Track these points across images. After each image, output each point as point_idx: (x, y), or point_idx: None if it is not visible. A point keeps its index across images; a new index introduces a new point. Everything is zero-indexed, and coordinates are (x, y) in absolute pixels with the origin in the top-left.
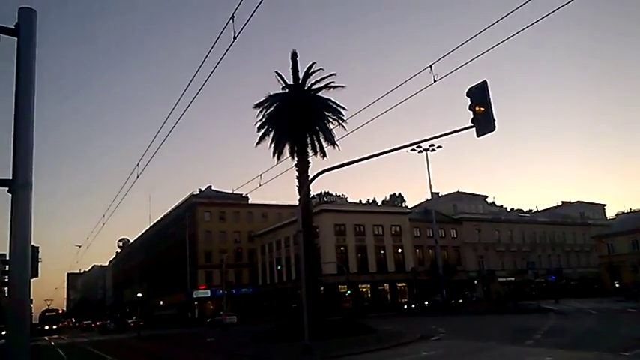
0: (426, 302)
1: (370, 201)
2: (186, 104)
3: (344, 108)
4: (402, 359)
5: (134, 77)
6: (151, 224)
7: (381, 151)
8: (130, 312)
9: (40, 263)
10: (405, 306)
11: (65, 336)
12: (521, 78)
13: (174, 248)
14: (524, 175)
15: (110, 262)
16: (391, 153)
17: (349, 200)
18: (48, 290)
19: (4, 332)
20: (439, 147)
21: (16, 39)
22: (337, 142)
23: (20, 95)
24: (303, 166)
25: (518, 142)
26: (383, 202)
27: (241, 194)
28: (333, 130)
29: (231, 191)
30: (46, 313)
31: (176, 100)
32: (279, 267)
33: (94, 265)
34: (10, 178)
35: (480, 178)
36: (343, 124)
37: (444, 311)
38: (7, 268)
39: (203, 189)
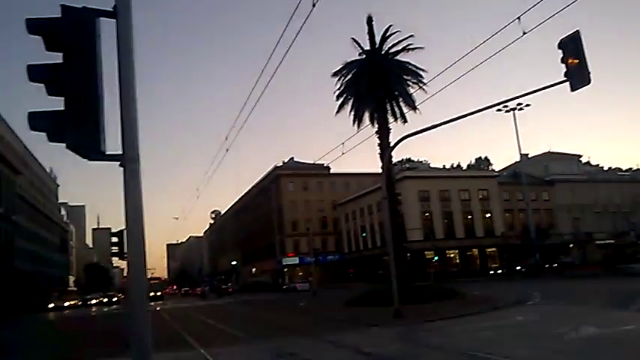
0: (518, 267)
1: (454, 165)
2: (267, 77)
3: (424, 70)
4: (495, 324)
5: (218, 52)
6: (240, 196)
7: (466, 112)
8: (225, 279)
9: None
10: (493, 272)
11: (168, 302)
12: (616, 25)
13: (262, 218)
14: (621, 132)
15: (204, 232)
16: (476, 114)
17: (432, 166)
18: (150, 260)
19: (114, 299)
20: (527, 105)
21: (114, 21)
22: (418, 106)
23: (122, 75)
24: (384, 133)
25: (613, 95)
26: (468, 166)
27: (323, 164)
28: (414, 93)
29: (313, 161)
30: (150, 281)
31: (259, 73)
32: (363, 234)
33: (190, 236)
34: (121, 152)
35: (572, 137)
36: (424, 87)
37: (537, 276)
38: (113, 240)
39: (286, 160)
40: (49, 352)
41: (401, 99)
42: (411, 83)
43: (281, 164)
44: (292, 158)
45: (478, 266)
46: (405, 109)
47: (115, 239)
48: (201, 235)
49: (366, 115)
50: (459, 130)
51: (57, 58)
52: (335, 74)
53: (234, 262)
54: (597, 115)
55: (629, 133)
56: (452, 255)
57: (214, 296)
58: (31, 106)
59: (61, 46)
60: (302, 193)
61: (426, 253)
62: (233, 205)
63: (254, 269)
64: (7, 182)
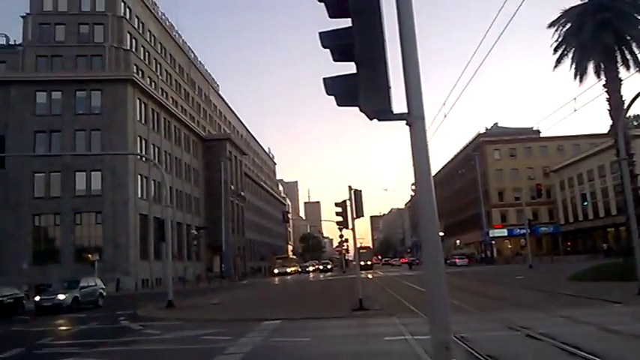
0: None
1: None
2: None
3: None
4: None
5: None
6: (441, 166)
7: None
8: None
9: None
10: None
11: (379, 271)
12: None
13: (466, 188)
14: None
15: (406, 204)
16: None
17: None
18: (358, 230)
19: (329, 266)
20: None
21: None
22: None
23: (404, 34)
24: (613, 86)
25: None
26: None
27: (531, 128)
28: None
29: (520, 126)
30: (360, 250)
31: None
32: (585, 203)
33: (392, 209)
34: (406, 111)
35: None
36: None
37: None
38: (337, 211)
39: (489, 127)
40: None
41: (634, 44)
42: None
43: (484, 131)
44: (496, 124)
45: None
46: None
47: (339, 209)
48: (403, 207)
49: (590, 67)
50: None
51: (336, 24)
52: (552, 24)
53: (441, 234)
54: None
55: None
56: None
57: (421, 267)
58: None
59: (348, 11)
60: (509, 160)
61: None
62: (434, 176)
63: (458, 241)
64: (236, 162)
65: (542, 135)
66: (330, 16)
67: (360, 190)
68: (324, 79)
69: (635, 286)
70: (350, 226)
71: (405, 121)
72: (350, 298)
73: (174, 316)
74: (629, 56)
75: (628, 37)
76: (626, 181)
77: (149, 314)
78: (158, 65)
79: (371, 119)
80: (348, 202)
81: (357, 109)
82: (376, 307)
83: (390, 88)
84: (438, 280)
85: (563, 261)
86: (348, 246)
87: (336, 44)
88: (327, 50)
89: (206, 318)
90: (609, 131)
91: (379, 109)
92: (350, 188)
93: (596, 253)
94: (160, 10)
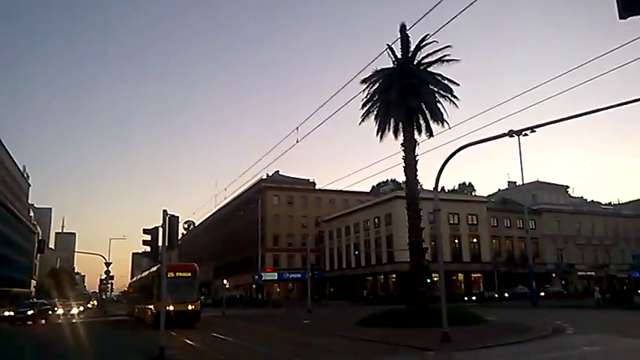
0: (506, 294)
1: (440, 190)
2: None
3: (456, 84)
4: (567, 353)
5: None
6: (217, 207)
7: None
8: None
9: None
10: (474, 297)
11: None
12: None
13: (241, 231)
14: (604, 166)
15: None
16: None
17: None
18: (118, 269)
19: (72, 311)
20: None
21: None
22: (447, 120)
23: None
24: (410, 146)
25: (598, 130)
26: (451, 190)
27: (308, 179)
28: (443, 107)
29: (298, 176)
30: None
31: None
32: (356, 252)
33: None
34: None
35: (557, 168)
36: (455, 100)
37: (533, 303)
38: (145, 239)
39: (271, 174)
40: None
41: (427, 111)
42: (443, 95)
43: (265, 177)
44: (278, 171)
45: (463, 291)
46: (431, 123)
47: (147, 237)
48: None
49: (391, 126)
50: (438, 154)
51: None
52: (364, 81)
53: (211, 275)
54: (582, 148)
55: (611, 168)
56: (436, 278)
57: None
58: None
59: None
60: (286, 207)
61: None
62: (210, 217)
63: (227, 283)
64: None
65: (317, 187)
66: None
67: (177, 217)
68: None
69: (434, 333)
70: (159, 259)
71: None
72: (129, 345)
73: None
74: (422, 122)
75: (423, 105)
76: (438, 233)
77: None
78: None
79: None
80: (160, 230)
81: None
82: (180, 357)
83: None
84: None
85: (329, 305)
86: (112, 283)
87: None
88: None
89: None
90: (371, 191)
91: None
92: (165, 213)
93: (357, 299)
94: None
